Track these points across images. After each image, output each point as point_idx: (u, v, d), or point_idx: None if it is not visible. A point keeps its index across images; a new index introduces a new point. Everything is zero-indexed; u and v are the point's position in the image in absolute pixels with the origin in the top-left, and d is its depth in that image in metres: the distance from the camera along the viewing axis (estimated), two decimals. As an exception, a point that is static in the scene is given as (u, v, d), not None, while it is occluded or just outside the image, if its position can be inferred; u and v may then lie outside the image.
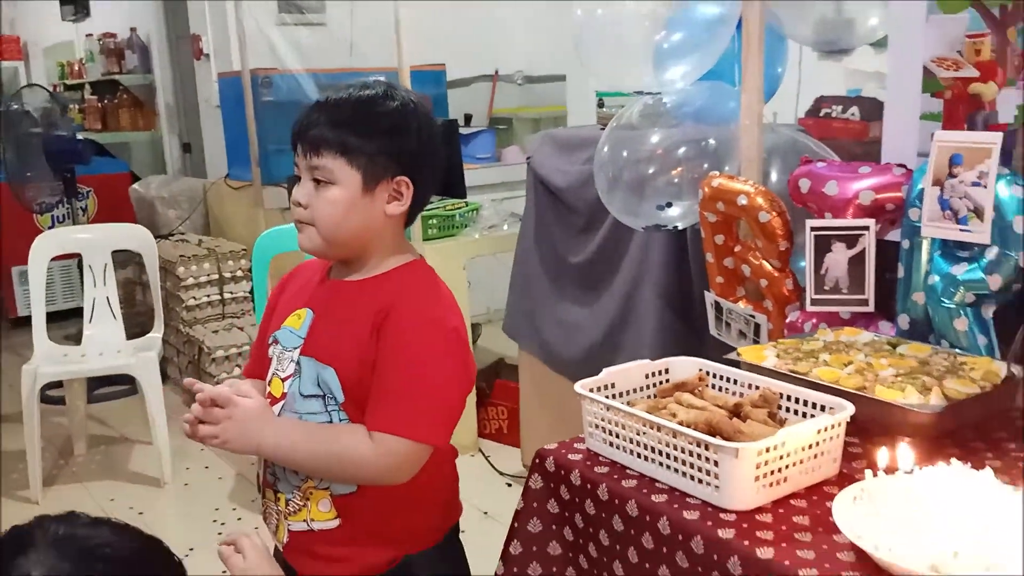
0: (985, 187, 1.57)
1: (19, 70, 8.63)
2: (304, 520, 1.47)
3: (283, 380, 1.47)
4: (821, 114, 2.62)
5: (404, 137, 1.41)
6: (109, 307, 3.76)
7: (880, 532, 1.08)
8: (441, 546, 1.55)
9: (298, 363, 1.45)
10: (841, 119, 2.46)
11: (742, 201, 1.94)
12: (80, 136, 5.01)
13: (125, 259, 4.68)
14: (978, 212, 1.58)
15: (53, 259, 3.69)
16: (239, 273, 4.59)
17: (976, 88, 1.68)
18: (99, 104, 7.27)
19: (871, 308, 1.82)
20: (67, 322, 5.23)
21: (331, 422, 1.43)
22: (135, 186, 5.72)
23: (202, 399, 1.38)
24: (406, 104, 1.42)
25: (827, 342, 1.67)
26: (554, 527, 1.48)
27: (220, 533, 3.19)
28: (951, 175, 1.62)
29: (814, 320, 1.90)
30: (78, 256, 4.37)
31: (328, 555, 1.47)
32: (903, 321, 1.77)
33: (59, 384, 3.88)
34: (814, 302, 1.87)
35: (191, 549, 3.11)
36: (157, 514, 3.34)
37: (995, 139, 1.55)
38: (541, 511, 1.49)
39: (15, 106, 4.70)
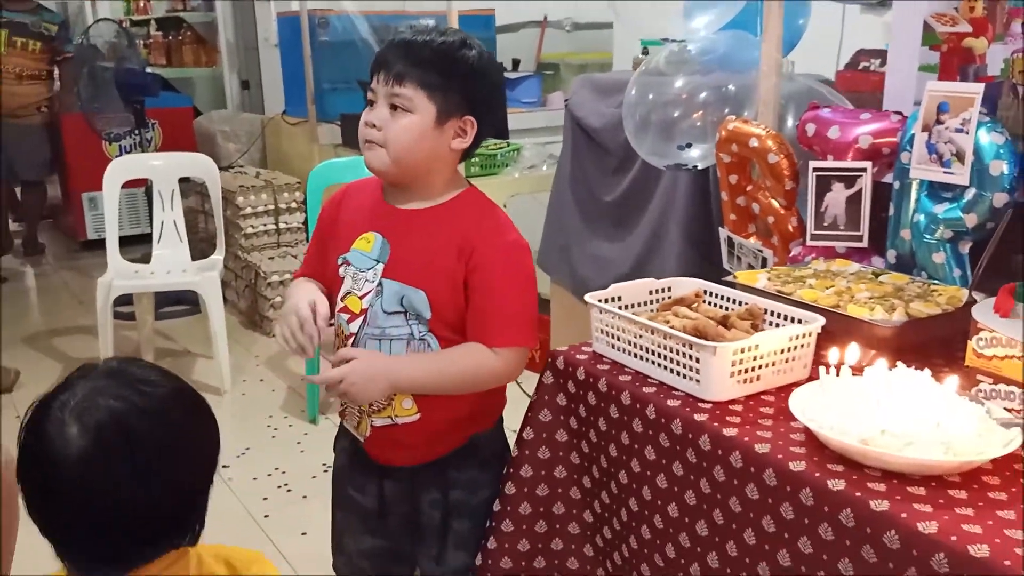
0: (967, 133, 1.72)
1: (85, 6, 8.94)
2: (388, 416, 1.68)
3: (361, 298, 1.64)
4: (859, 67, 2.75)
5: (478, 82, 1.60)
6: (176, 230, 4.06)
7: (826, 416, 1.28)
8: (498, 425, 1.84)
9: (380, 284, 1.62)
10: (878, 72, 2.59)
11: (753, 143, 2.11)
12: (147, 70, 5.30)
13: (187, 190, 4.99)
14: (960, 156, 1.74)
15: (121, 187, 3.98)
16: (293, 205, 4.86)
17: (969, 42, 1.83)
18: (164, 40, 7.57)
19: (865, 244, 2.00)
20: (133, 246, 5.57)
21: (412, 335, 1.64)
22: (199, 119, 6.01)
23: (335, 361, 1.59)
24: (482, 54, 1.62)
25: (817, 270, 1.86)
26: (561, 417, 1.71)
27: (273, 437, 3.51)
28: (938, 122, 1.77)
29: (814, 255, 2.08)
30: (144, 185, 4.68)
31: (409, 443, 1.70)
32: (891, 256, 1.94)
33: (129, 302, 4.21)
34: (814, 237, 2.05)
35: (247, 448, 3.44)
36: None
37: (978, 89, 1.71)
38: (551, 403, 1.71)
39: (87, 41, 5.00)
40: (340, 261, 1.67)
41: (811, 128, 2.05)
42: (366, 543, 1.82)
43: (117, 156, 5.95)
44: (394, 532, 1.80)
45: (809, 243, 2.07)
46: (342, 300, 1.67)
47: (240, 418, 3.70)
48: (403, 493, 1.76)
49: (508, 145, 3.92)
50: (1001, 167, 1.69)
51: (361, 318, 1.65)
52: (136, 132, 5.15)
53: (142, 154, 4.79)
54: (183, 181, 4.26)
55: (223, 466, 3.16)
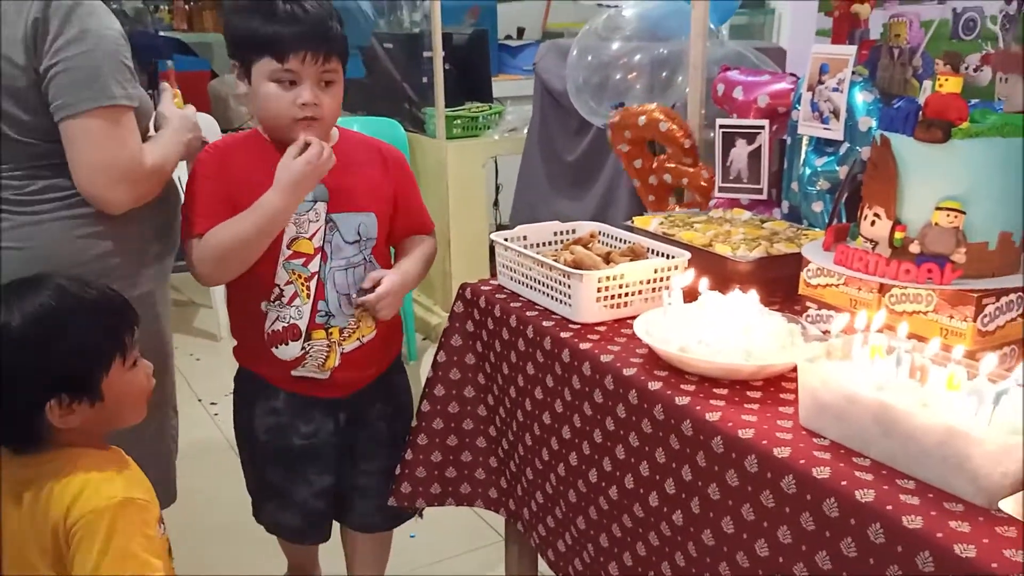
0: (842, 92, 1.89)
1: (112, -29, 9.19)
2: (357, 339, 1.85)
3: (310, 239, 1.75)
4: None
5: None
6: (180, 186, 4.30)
7: (663, 331, 1.48)
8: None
9: (330, 220, 1.76)
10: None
11: (642, 121, 2.29)
12: (166, 35, 5.51)
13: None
14: (836, 113, 1.91)
15: None
16: (295, 165, 5.08)
17: (855, 8, 1.98)
18: (186, 6, 7.80)
19: (764, 196, 2.18)
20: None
21: (365, 260, 1.83)
22: (212, 83, 6.24)
23: (371, 282, 1.80)
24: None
25: (712, 217, 2.04)
26: (469, 342, 1.92)
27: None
28: (820, 82, 1.94)
29: (724, 205, 2.26)
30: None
31: (372, 359, 1.90)
32: (785, 207, 2.12)
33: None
34: (721, 189, 2.24)
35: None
36: (211, 361, 3.94)
37: (850, 51, 1.87)
38: (461, 329, 1.93)
39: (113, 5, 5.24)
40: None
41: (720, 88, 2.23)
42: (323, 482, 1.93)
43: (136, 117, 6.24)
44: (342, 463, 1.96)
45: (717, 195, 2.25)
46: (289, 247, 1.74)
47: (231, 363, 3.95)
48: (355, 417, 1.97)
49: (490, 108, 4.10)
50: (869, 123, 1.86)
51: (318, 257, 1.77)
52: (150, 93, 5.39)
53: (146, 113, 5.03)
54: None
55: (211, 403, 3.49)
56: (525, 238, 1.95)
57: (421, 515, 2.02)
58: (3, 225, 1.60)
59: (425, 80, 4.00)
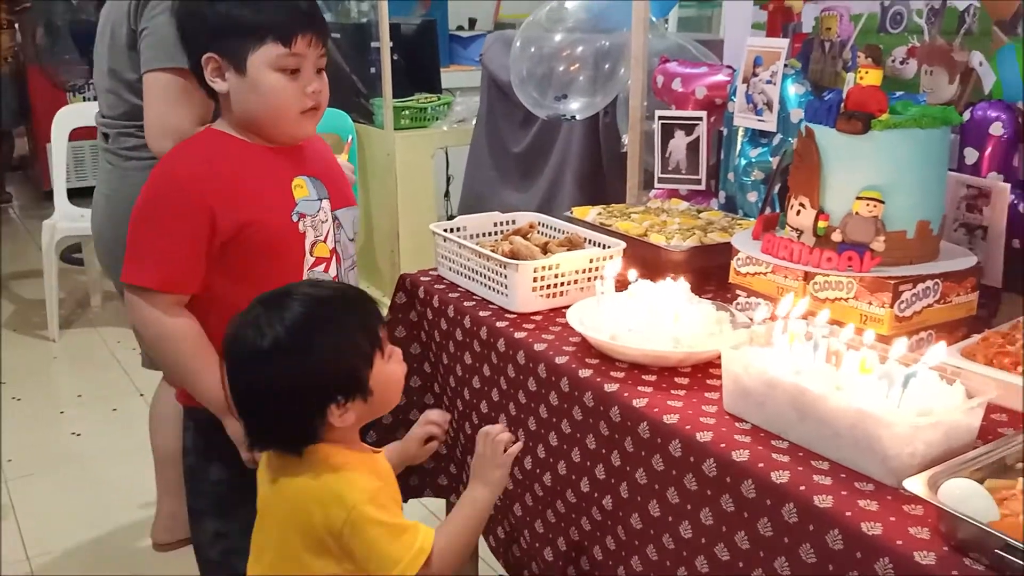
0: (775, 84, 1.93)
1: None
2: None
3: (324, 241, 1.58)
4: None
5: None
6: (122, 176, 4.23)
7: (595, 320, 1.50)
8: None
9: (334, 217, 1.61)
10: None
11: None
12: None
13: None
14: (769, 105, 1.95)
15: (80, 139, 4.10)
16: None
17: (789, 2, 2.02)
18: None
19: (703, 187, 2.21)
20: (88, 199, 5.76)
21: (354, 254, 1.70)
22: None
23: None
24: None
25: (649, 207, 2.07)
26: (414, 332, 1.92)
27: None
28: (754, 74, 1.98)
29: (664, 196, 2.29)
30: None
31: None
32: (722, 197, 2.15)
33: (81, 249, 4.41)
34: (660, 180, 2.27)
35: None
36: (156, 355, 3.88)
37: (783, 44, 1.91)
38: (405, 320, 1.93)
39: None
40: (295, 218, 1.55)
41: (660, 80, 2.26)
42: None
43: (80, 107, 6.13)
44: None
45: (657, 186, 2.28)
46: (312, 254, 1.58)
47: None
48: None
49: (439, 98, 4.09)
50: (801, 115, 1.89)
51: (333, 259, 1.61)
52: (92, 83, 5.29)
53: (85, 103, 4.94)
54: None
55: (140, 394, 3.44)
56: (464, 228, 1.96)
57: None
58: (102, 174, 2.07)
59: (373, 71, 3.98)
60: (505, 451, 1.35)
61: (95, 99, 5.33)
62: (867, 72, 1.38)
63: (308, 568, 1.26)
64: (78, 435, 3.14)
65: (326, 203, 1.59)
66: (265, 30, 1.44)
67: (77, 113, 4.25)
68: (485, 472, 1.35)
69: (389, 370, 1.32)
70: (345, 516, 1.22)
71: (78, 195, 5.03)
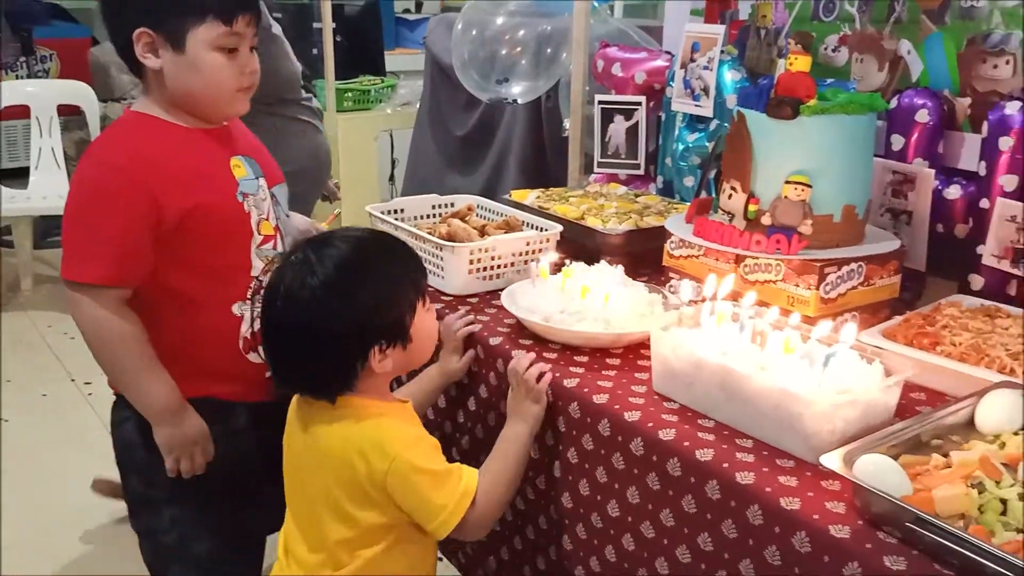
0: (711, 70, 1.95)
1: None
2: None
3: (267, 218, 1.55)
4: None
5: None
6: (54, 157, 4.12)
7: (530, 302, 1.50)
8: None
9: (272, 194, 1.58)
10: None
11: None
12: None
13: (81, 122, 5.00)
14: (706, 91, 1.97)
15: (13, 118, 3.98)
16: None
17: (726, -11, 2.04)
18: (66, -31, 7.41)
19: (642, 171, 2.22)
20: (20, 180, 5.56)
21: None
22: (92, 50, 5.96)
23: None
24: None
25: (587, 191, 2.08)
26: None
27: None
28: (692, 60, 1.99)
29: (603, 180, 2.30)
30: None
31: None
32: (660, 181, 2.17)
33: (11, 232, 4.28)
34: (600, 164, 2.28)
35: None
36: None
37: (719, 31, 1.93)
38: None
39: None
40: (240, 197, 1.52)
41: (600, 64, 2.26)
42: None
43: (12, 85, 5.93)
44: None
45: (596, 170, 2.29)
46: (259, 232, 1.55)
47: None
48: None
49: (383, 81, 4.05)
50: (735, 100, 1.91)
51: (277, 236, 1.59)
52: (26, 61, 5.13)
53: (17, 81, 4.79)
54: (69, 110, 4.30)
55: (85, 382, 3.36)
56: (402, 211, 1.94)
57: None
58: None
59: (315, 52, 3.92)
60: (538, 381, 1.34)
61: (29, 77, 5.13)
62: (796, 59, 1.40)
63: (354, 521, 1.26)
64: (6, 421, 3.06)
65: (263, 180, 1.57)
66: (207, 8, 1.41)
67: (5, 91, 4.12)
68: (521, 407, 1.35)
69: (428, 320, 1.33)
70: (388, 466, 1.22)
71: (9, 176, 4.89)
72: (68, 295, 1.43)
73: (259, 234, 1.53)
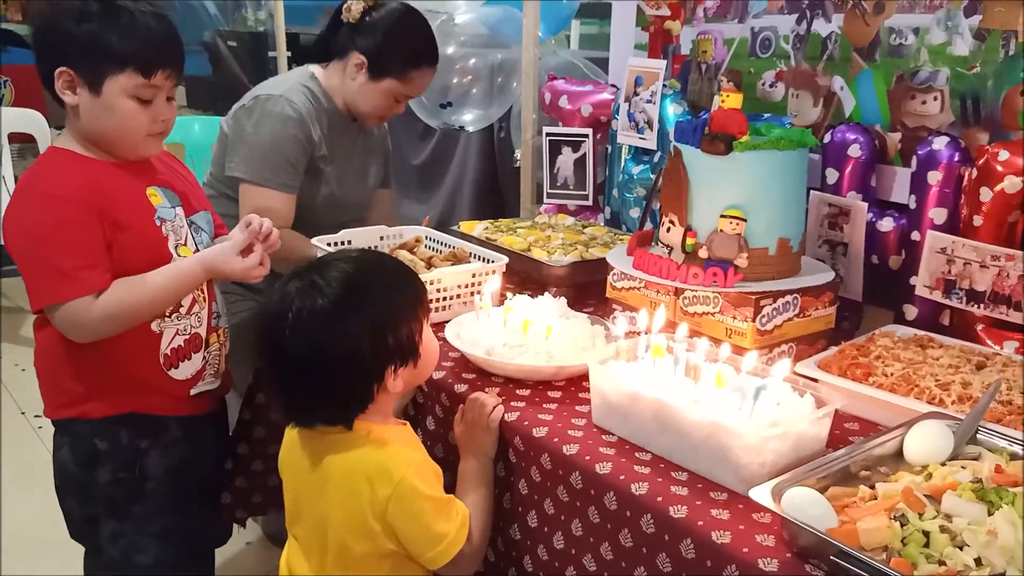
0: (654, 104, 1.98)
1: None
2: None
3: (185, 243, 1.62)
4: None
5: None
6: (4, 185, 4.05)
7: (473, 334, 1.51)
8: None
9: (191, 223, 1.64)
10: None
11: None
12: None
13: (35, 150, 4.94)
14: (650, 123, 2.00)
15: None
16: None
17: (668, 24, 2.09)
18: (22, -5, 7.33)
19: (590, 202, 2.25)
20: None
21: None
22: (47, 77, 5.91)
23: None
24: None
25: (536, 222, 2.10)
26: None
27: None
28: (636, 94, 2.03)
29: (552, 211, 2.33)
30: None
31: None
32: (608, 212, 2.20)
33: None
34: (549, 195, 2.30)
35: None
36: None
37: (660, 65, 1.97)
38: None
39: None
40: (158, 221, 1.59)
41: (548, 96, 2.30)
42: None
43: (-36, 112, 5.83)
44: None
45: (546, 201, 2.31)
46: (178, 254, 1.61)
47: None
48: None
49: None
50: (678, 134, 1.95)
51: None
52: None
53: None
54: (25, 139, 4.25)
55: (35, 415, 3.30)
56: (350, 243, 1.95)
57: (244, 524, 1.99)
58: None
59: (271, 80, 3.92)
60: (490, 415, 1.35)
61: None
62: (728, 96, 1.43)
63: (353, 550, 1.26)
64: (-49, 457, 2.99)
65: (180, 210, 1.63)
66: (127, 60, 1.47)
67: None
68: (474, 441, 1.36)
69: (431, 335, 1.34)
70: (391, 491, 1.21)
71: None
72: (57, 318, 1.49)
73: (178, 255, 1.59)
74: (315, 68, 2.17)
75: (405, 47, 2.08)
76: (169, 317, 1.59)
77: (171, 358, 1.60)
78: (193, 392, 1.65)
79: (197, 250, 1.64)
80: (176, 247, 1.60)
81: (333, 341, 1.21)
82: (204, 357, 1.66)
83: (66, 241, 1.47)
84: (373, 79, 2.07)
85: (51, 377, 1.61)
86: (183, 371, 1.62)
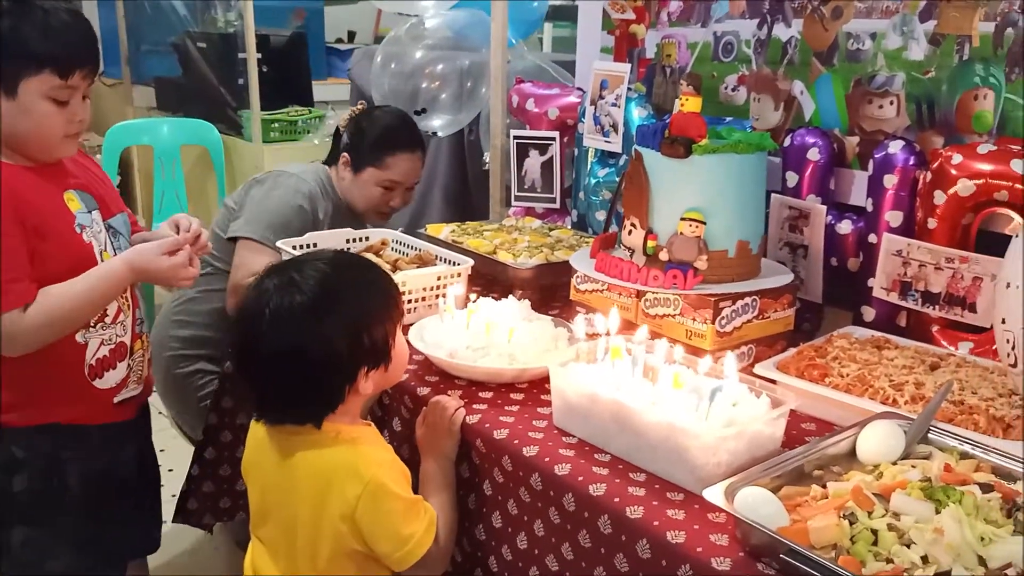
0: (619, 107, 2.00)
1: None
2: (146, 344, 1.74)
3: (105, 249, 1.60)
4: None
5: None
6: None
7: (437, 337, 1.52)
8: None
9: (109, 226, 1.62)
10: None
11: None
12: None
13: None
14: (615, 127, 2.02)
15: None
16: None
17: (633, 28, 2.10)
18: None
19: (557, 205, 2.26)
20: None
21: None
22: None
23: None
24: None
25: (502, 225, 2.11)
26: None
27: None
28: (601, 97, 2.04)
29: (520, 213, 2.34)
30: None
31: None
32: (575, 215, 2.21)
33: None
34: (516, 198, 2.31)
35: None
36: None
37: (625, 69, 1.98)
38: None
39: None
40: (78, 229, 1.57)
41: (515, 99, 2.31)
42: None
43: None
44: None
45: (514, 204, 2.32)
46: (103, 260, 1.59)
47: None
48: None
49: (310, 112, 4.05)
50: (643, 137, 1.97)
51: None
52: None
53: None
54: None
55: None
56: (315, 245, 1.94)
57: (211, 530, 1.98)
58: None
59: (241, 82, 3.90)
60: (451, 417, 1.35)
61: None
62: (687, 99, 1.45)
63: (321, 551, 1.26)
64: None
65: (96, 214, 1.61)
66: (43, 62, 1.44)
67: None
68: (437, 443, 1.36)
69: (402, 340, 1.35)
70: (361, 489, 1.22)
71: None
72: None
73: (102, 260, 1.57)
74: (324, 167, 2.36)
75: (377, 136, 2.24)
76: (94, 327, 1.57)
77: (96, 368, 1.59)
78: (116, 400, 1.64)
79: (115, 254, 1.60)
80: (101, 253, 1.58)
81: (310, 339, 1.22)
82: (128, 365, 1.65)
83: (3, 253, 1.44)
84: (355, 172, 2.25)
85: None
86: (108, 380, 1.61)
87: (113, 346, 1.61)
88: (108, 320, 1.59)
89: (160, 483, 1.86)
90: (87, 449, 1.62)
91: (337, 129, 2.37)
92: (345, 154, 2.27)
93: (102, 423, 1.64)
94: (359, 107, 2.35)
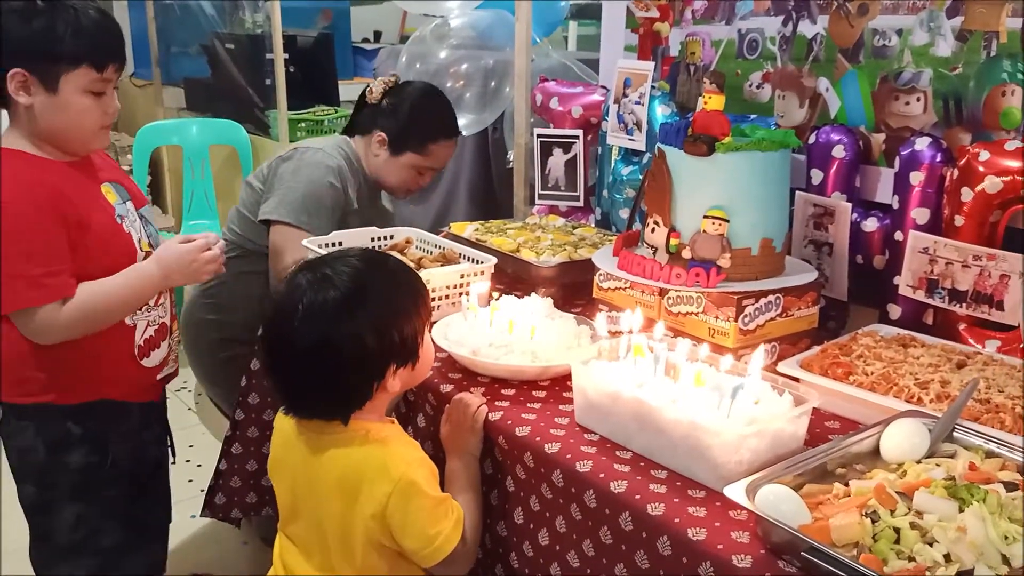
0: (643, 105, 2.00)
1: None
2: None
3: (142, 238, 1.69)
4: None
5: None
6: None
7: (460, 335, 1.53)
8: None
9: (141, 215, 1.72)
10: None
11: None
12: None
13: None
14: (639, 125, 2.02)
15: None
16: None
17: (658, 26, 2.10)
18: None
19: (581, 203, 2.27)
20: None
21: None
22: None
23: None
24: None
25: (526, 223, 2.11)
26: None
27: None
28: (625, 95, 2.04)
29: (544, 211, 2.34)
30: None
31: None
32: (598, 213, 2.22)
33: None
34: (540, 196, 2.32)
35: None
36: None
37: (649, 67, 1.98)
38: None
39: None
40: (119, 219, 1.64)
41: (539, 98, 2.31)
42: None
43: None
44: None
45: (538, 202, 2.33)
46: (142, 249, 1.68)
47: None
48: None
49: (336, 111, 4.08)
50: (666, 135, 1.96)
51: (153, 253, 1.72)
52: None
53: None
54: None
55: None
56: (340, 244, 1.96)
57: (239, 525, 2.01)
58: None
59: (268, 82, 3.94)
60: (474, 415, 1.36)
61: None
62: (711, 97, 1.45)
63: (354, 549, 1.27)
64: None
65: (130, 204, 1.69)
66: (81, 57, 1.52)
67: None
68: (460, 440, 1.37)
69: (429, 340, 1.36)
70: (392, 487, 1.23)
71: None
72: (21, 323, 1.53)
73: (142, 251, 1.66)
74: (346, 138, 2.30)
75: (422, 123, 2.19)
76: (140, 310, 1.67)
77: (144, 348, 1.69)
78: (159, 377, 1.75)
79: (151, 243, 1.71)
80: (139, 242, 1.67)
81: (342, 334, 1.23)
82: (168, 344, 1.76)
83: (30, 247, 1.50)
84: (394, 154, 2.20)
85: (18, 363, 1.60)
86: (154, 359, 1.72)
87: (157, 327, 1.71)
88: (151, 303, 1.69)
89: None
90: (128, 425, 1.71)
91: (363, 97, 2.26)
92: (382, 133, 2.19)
93: (142, 401, 1.74)
94: (392, 78, 2.26)
